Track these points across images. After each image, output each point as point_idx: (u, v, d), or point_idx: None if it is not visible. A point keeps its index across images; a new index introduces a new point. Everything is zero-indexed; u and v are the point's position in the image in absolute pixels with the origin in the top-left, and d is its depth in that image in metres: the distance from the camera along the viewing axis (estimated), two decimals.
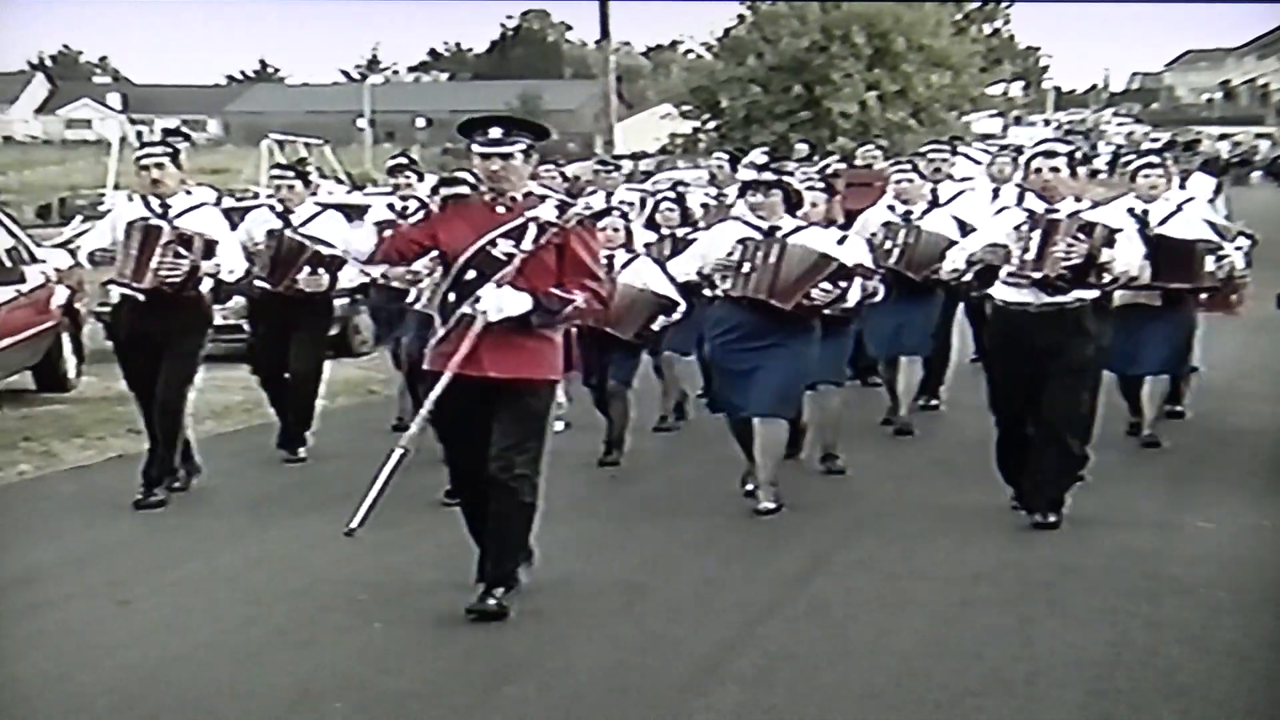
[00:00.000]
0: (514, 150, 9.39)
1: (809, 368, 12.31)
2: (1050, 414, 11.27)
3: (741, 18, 61.10)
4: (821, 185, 13.56)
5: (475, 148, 9.46)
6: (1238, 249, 14.69)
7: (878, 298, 13.30)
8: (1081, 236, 10.98)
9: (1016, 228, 11.28)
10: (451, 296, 9.44)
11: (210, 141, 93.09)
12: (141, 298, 12.47)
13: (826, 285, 11.84)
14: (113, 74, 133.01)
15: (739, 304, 12.00)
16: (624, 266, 13.74)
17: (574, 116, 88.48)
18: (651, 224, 16.20)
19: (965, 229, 14.12)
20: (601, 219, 10.44)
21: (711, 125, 60.54)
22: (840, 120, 54.99)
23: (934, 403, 16.66)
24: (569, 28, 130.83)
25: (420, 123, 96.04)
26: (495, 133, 9.40)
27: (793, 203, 12.19)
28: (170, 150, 12.85)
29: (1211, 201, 17.17)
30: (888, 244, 14.90)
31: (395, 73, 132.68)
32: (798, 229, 12.14)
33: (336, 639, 9.10)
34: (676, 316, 13.78)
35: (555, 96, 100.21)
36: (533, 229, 9.28)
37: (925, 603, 9.67)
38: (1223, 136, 71.64)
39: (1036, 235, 11.10)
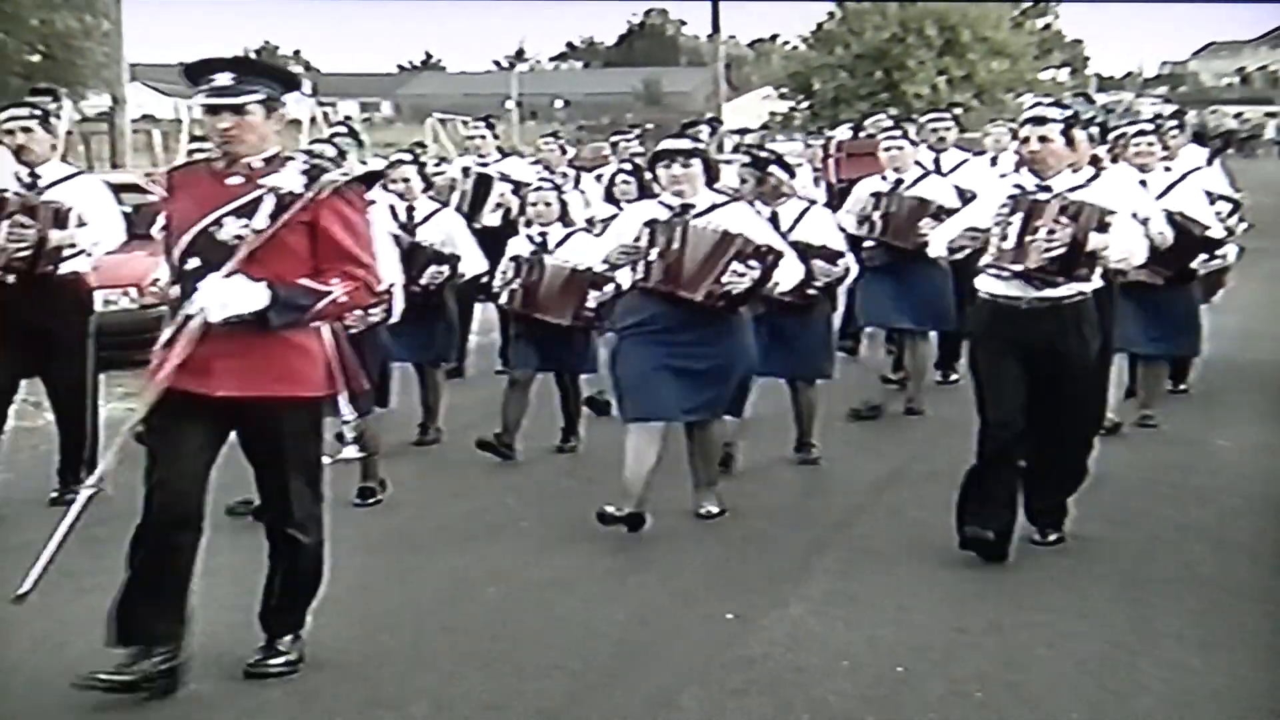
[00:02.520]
0: (249, 102, 6.40)
1: (747, 362, 9.37)
2: (1059, 433, 8.59)
3: (832, 14, 61.31)
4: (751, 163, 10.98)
5: (200, 99, 6.51)
6: (1238, 246, 12.72)
7: (849, 279, 11.27)
8: (1065, 220, 8.15)
9: (1000, 208, 8.42)
10: (175, 291, 6.52)
11: (384, 120, 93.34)
12: (10, 278, 9.69)
13: (738, 267, 8.91)
14: (304, 64, 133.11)
15: (651, 294, 9.08)
16: (559, 244, 11.24)
17: (688, 98, 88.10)
18: (610, 197, 13.39)
19: (966, 198, 11.38)
20: (373, 183, 7.14)
21: (805, 105, 60.84)
22: (914, 100, 54.62)
23: (953, 377, 13.66)
24: (684, 23, 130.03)
25: (559, 104, 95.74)
26: (224, 79, 6.41)
27: (712, 175, 9.39)
28: (38, 113, 9.89)
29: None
30: (874, 215, 12.42)
31: (538, 62, 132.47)
32: (713, 206, 9.20)
33: (489, 537, 9.15)
34: (610, 290, 10.50)
35: (673, 81, 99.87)
36: (269, 202, 6.38)
37: None
38: (1237, 115, 71.27)
39: (1018, 219, 8.25)
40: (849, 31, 59.28)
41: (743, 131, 56.91)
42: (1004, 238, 8.28)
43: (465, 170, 15.31)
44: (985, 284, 8.51)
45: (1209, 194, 12.00)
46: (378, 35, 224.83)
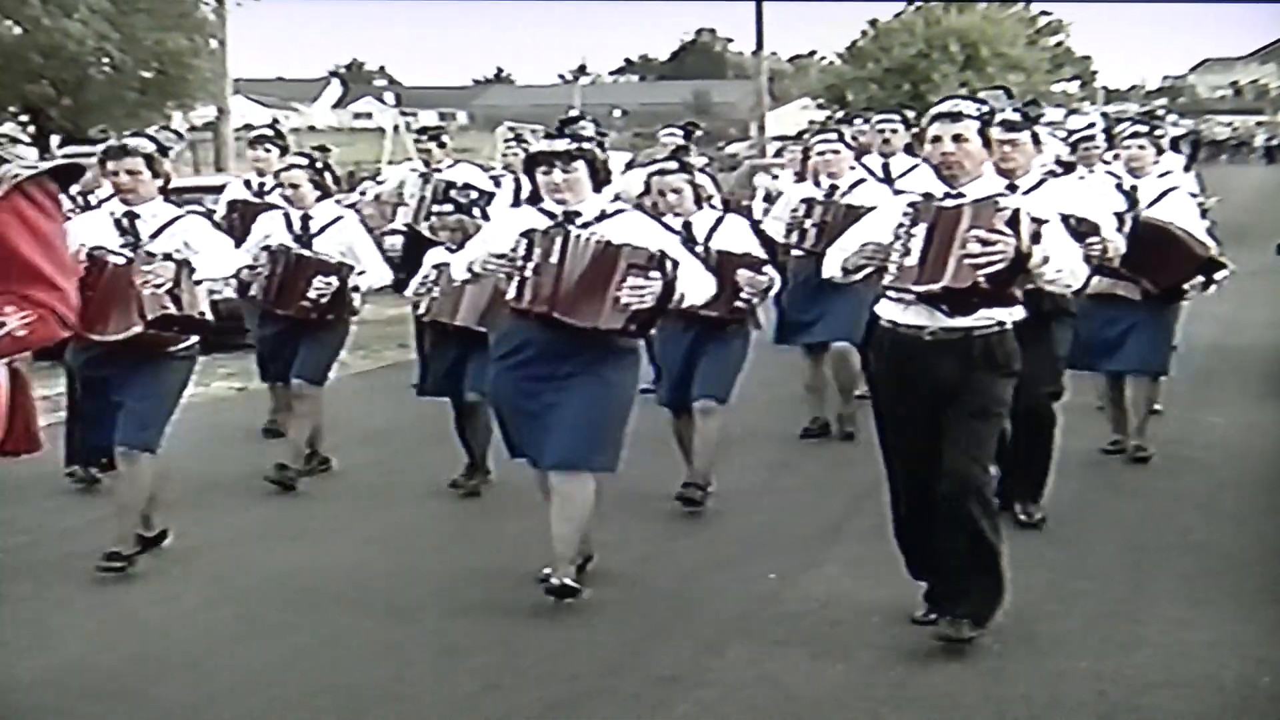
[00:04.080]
0: None
1: (629, 398, 7.27)
2: (947, 474, 6.30)
3: (864, 32, 61.27)
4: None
5: None
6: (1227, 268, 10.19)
7: (773, 291, 9.21)
8: (1006, 230, 5.98)
9: (900, 219, 6.37)
10: None
11: (460, 129, 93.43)
12: None
13: (634, 280, 6.78)
14: (388, 78, 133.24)
15: (527, 317, 7.01)
16: None
17: (734, 108, 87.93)
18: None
19: None
20: (71, 179, 4.67)
21: (839, 115, 60.68)
22: None
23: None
24: (731, 41, 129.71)
25: (617, 114, 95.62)
26: None
27: (600, 179, 7.23)
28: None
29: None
30: (806, 222, 10.69)
31: (599, 75, 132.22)
32: (602, 215, 7.16)
33: (534, 515, 9.18)
34: None
35: (721, 93, 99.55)
36: None
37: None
38: (1230, 124, 71.22)
39: (921, 231, 6.23)
40: (879, 48, 59.30)
41: (782, 138, 57.08)
42: (906, 253, 6.26)
43: (424, 178, 13.50)
44: (885, 310, 6.48)
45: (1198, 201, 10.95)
46: (454, 52, 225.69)
